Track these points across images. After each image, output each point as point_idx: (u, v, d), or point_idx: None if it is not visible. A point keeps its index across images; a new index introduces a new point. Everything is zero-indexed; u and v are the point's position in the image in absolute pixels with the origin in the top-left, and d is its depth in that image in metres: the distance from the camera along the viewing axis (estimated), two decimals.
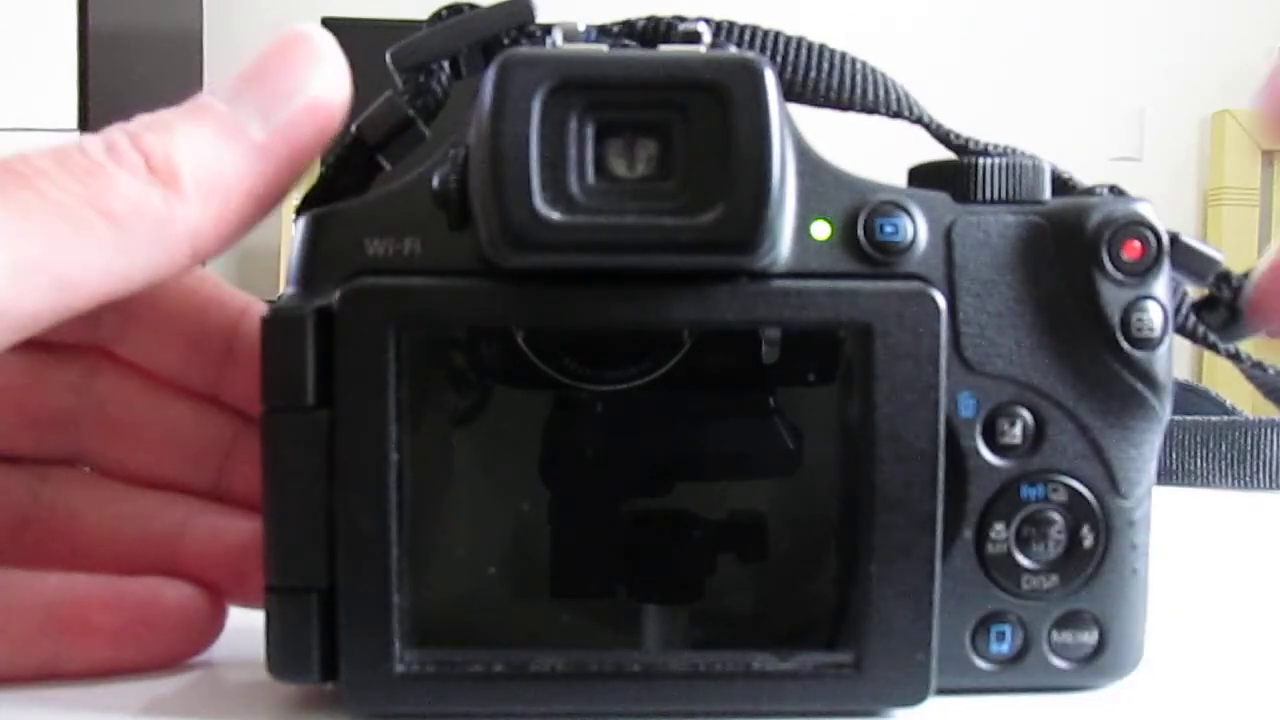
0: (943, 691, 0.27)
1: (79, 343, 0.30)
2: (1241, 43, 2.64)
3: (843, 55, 0.30)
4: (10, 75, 1.98)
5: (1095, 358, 0.27)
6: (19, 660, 0.28)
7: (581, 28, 0.27)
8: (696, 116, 0.25)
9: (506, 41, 0.28)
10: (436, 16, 0.28)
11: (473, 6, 0.28)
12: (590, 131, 0.25)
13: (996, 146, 0.30)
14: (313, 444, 0.26)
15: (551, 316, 0.26)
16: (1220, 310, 0.32)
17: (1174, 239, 0.28)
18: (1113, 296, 0.27)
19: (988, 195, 0.28)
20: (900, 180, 0.28)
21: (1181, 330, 0.31)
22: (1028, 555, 0.28)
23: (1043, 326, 0.27)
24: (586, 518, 0.30)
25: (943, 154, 0.30)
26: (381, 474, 0.26)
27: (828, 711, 0.26)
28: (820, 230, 0.27)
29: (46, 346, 0.29)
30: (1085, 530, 0.28)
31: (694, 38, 0.27)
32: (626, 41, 0.29)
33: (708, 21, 0.28)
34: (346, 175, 0.29)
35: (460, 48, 0.28)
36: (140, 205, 0.25)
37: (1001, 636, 0.28)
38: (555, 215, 0.25)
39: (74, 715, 0.27)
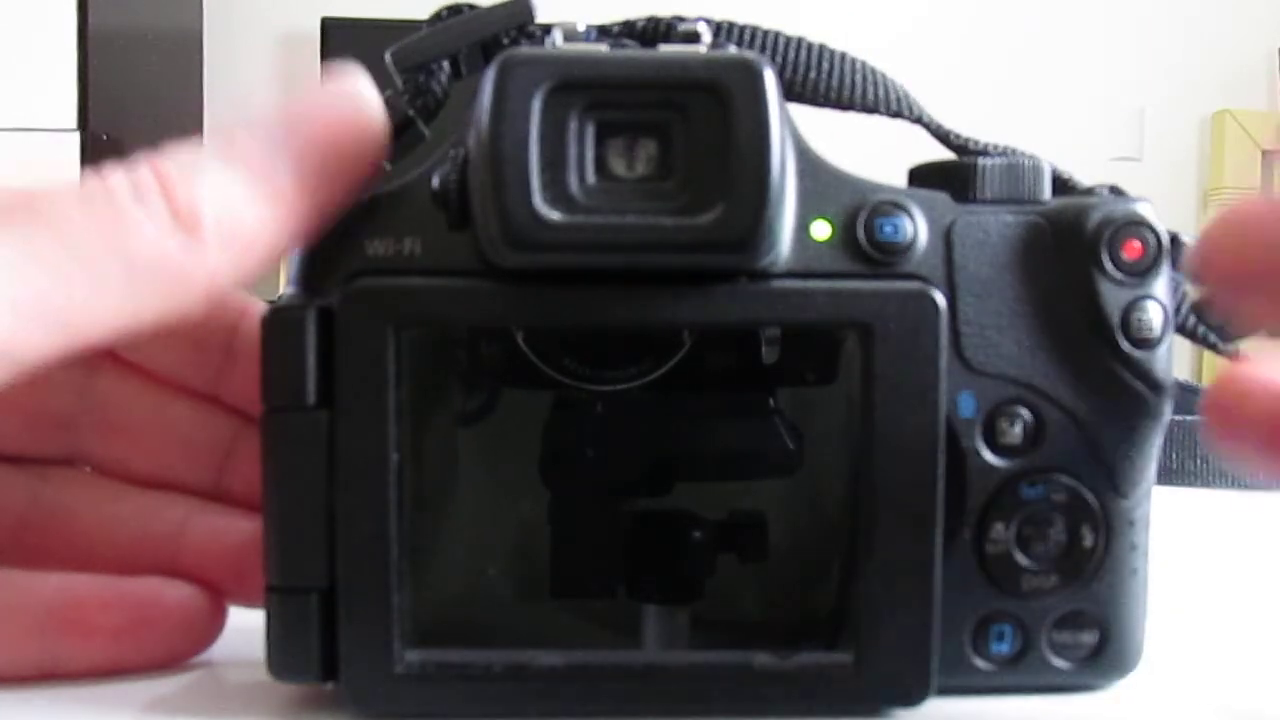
0: (943, 691, 0.27)
1: None
2: (1241, 43, 2.64)
3: (843, 55, 0.30)
4: (10, 75, 1.98)
5: (1095, 357, 0.27)
6: (19, 660, 0.28)
7: (581, 28, 0.27)
8: (696, 116, 0.25)
9: (506, 41, 0.28)
10: (436, 16, 0.28)
11: (473, 6, 0.28)
12: (590, 131, 0.25)
13: (996, 146, 0.30)
14: (313, 444, 0.26)
15: (551, 316, 0.26)
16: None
17: (1174, 239, 0.28)
18: (1113, 296, 0.27)
19: (988, 195, 0.28)
20: (900, 180, 0.28)
21: (1181, 330, 0.31)
22: (1028, 555, 0.28)
23: (1043, 326, 0.27)
24: (587, 518, 0.30)
25: (943, 154, 0.30)
26: (381, 474, 0.26)
27: (828, 711, 0.26)
28: (820, 230, 0.27)
29: None
30: (1085, 530, 0.28)
31: (694, 38, 0.27)
32: (626, 41, 0.29)
33: (708, 21, 0.28)
34: None
35: (460, 48, 0.28)
36: (159, 253, 0.24)
37: (1001, 636, 0.28)
38: (555, 215, 0.25)
39: (74, 715, 0.27)
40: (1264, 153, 2.61)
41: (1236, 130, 2.58)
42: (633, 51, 0.28)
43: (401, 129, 0.27)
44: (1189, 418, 0.57)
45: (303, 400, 0.26)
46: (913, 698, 0.26)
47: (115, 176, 0.25)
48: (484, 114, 0.24)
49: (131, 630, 0.29)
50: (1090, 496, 0.28)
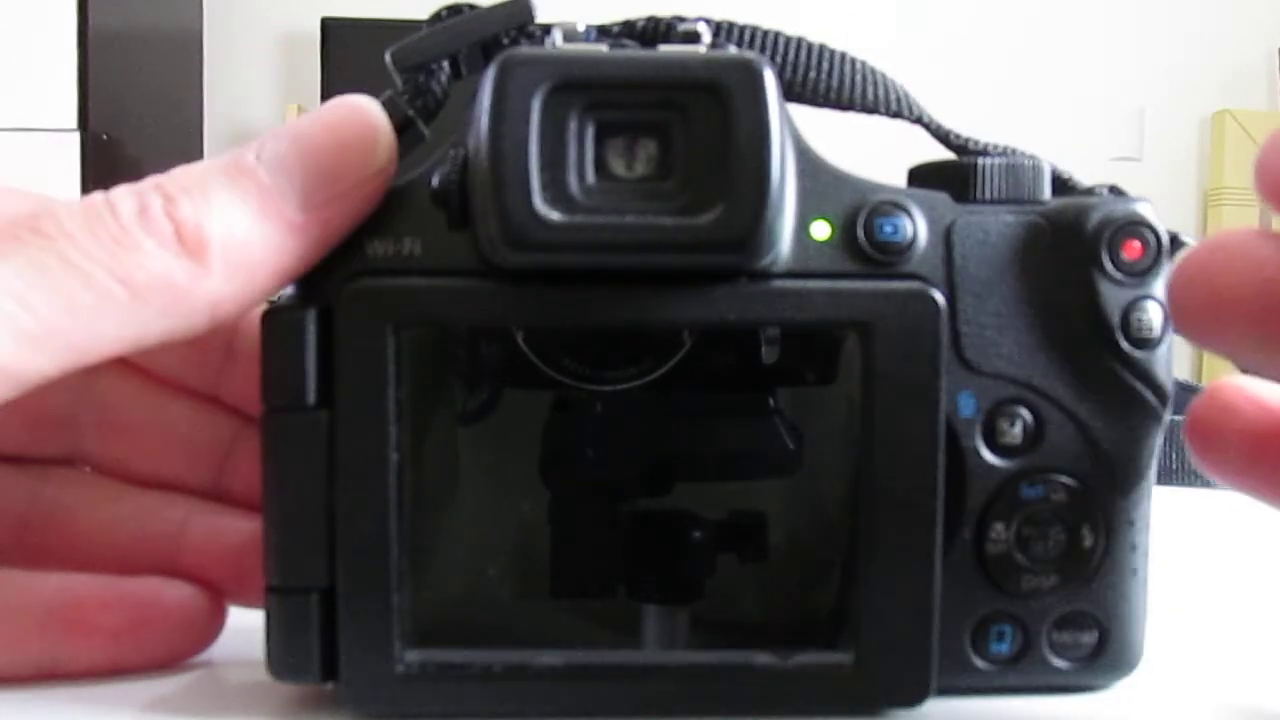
0: (943, 691, 0.27)
1: None
2: (1241, 43, 2.64)
3: (843, 55, 0.30)
4: (10, 75, 1.98)
5: (1095, 358, 0.27)
6: (19, 660, 0.28)
7: (581, 28, 0.27)
8: (696, 116, 0.25)
9: (506, 41, 0.28)
10: (436, 16, 0.28)
11: (472, 6, 0.28)
12: (590, 131, 0.25)
13: (996, 146, 0.30)
14: (313, 444, 0.26)
15: (551, 316, 0.26)
16: None
17: (1174, 239, 0.28)
18: (1112, 296, 0.27)
19: (988, 195, 0.28)
20: (900, 180, 0.28)
21: None
22: (1027, 555, 0.28)
23: (1042, 326, 0.27)
24: (587, 518, 0.30)
25: (943, 154, 0.30)
26: (381, 474, 0.26)
27: (828, 711, 0.26)
28: (820, 230, 0.27)
29: None
30: (1085, 530, 0.28)
31: (694, 38, 0.27)
32: (626, 41, 0.29)
33: (708, 21, 0.28)
34: None
35: (460, 48, 0.28)
36: (164, 277, 0.24)
37: (1001, 636, 0.28)
38: (555, 215, 0.25)
39: (74, 715, 0.27)
40: None
41: (1236, 130, 2.58)
42: (633, 51, 0.28)
43: (401, 129, 0.27)
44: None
45: (302, 400, 0.26)
46: (913, 698, 0.26)
47: (121, 198, 0.25)
48: (484, 114, 0.24)
49: (131, 630, 0.29)
50: (1090, 497, 0.28)
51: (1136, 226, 0.27)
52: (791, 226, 0.26)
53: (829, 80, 0.30)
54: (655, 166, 0.25)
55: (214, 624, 0.30)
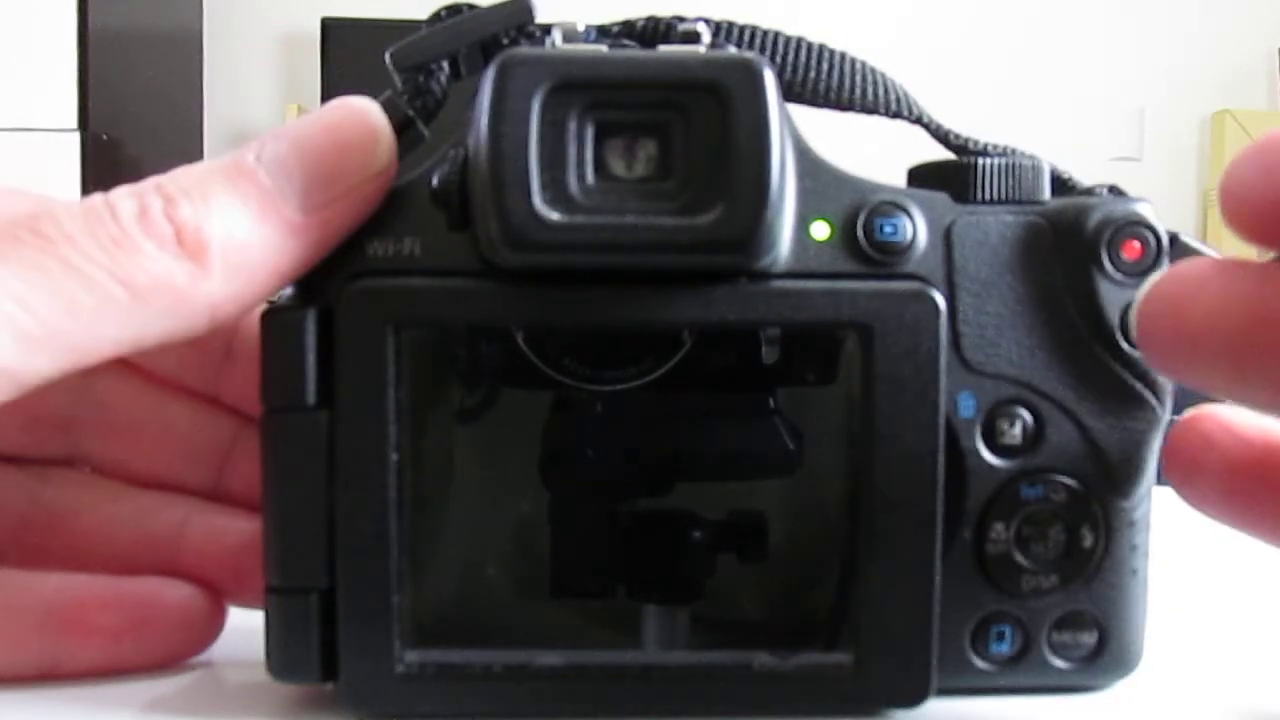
0: (943, 691, 0.27)
1: None
2: (1241, 43, 2.64)
3: (842, 55, 0.30)
4: (10, 75, 1.98)
5: (1095, 358, 0.27)
6: (19, 660, 0.28)
7: (581, 28, 0.27)
8: (696, 116, 0.25)
9: (506, 41, 0.28)
10: (436, 16, 0.28)
11: (472, 7, 0.28)
12: (590, 131, 0.25)
13: (996, 146, 0.30)
14: (313, 444, 0.26)
15: (551, 316, 0.26)
16: None
17: (1174, 239, 0.28)
18: (1112, 296, 0.27)
19: (987, 195, 0.28)
20: (900, 180, 0.28)
21: None
22: (1027, 555, 0.28)
23: (1042, 326, 0.27)
24: (586, 518, 0.30)
25: (943, 154, 0.30)
26: (381, 474, 0.26)
27: (828, 711, 0.26)
28: (820, 230, 0.27)
29: None
30: (1085, 530, 0.28)
31: (693, 38, 0.27)
32: (626, 42, 0.29)
33: (707, 21, 0.28)
34: None
35: (460, 48, 0.28)
36: (164, 279, 0.24)
37: (1001, 636, 0.28)
38: (555, 215, 0.25)
39: (74, 715, 0.27)
40: None
41: (1236, 130, 2.58)
42: (632, 51, 0.28)
43: (401, 129, 0.27)
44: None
45: (302, 400, 0.26)
46: (912, 698, 0.26)
47: (121, 199, 0.25)
48: (484, 114, 0.24)
49: (131, 630, 0.29)
50: (1090, 497, 0.28)
51: (1136, 226, 0.27)
52: (791, 227, 0.26)
53: (829, 80, 0.30)
54: (655, 167, 0.25)
55: (214, 624, 0.30)
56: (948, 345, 0.27)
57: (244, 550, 0.29)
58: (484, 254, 0.26)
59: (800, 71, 0.30)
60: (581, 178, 0.25)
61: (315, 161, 0.25)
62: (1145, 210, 0.28)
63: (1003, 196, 0.28)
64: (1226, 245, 0.22)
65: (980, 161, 0.28)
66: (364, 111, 0.26)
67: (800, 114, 0.27)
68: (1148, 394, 0.27)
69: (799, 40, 0.30)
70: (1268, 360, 0.20)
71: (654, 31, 0.29)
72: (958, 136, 0.30)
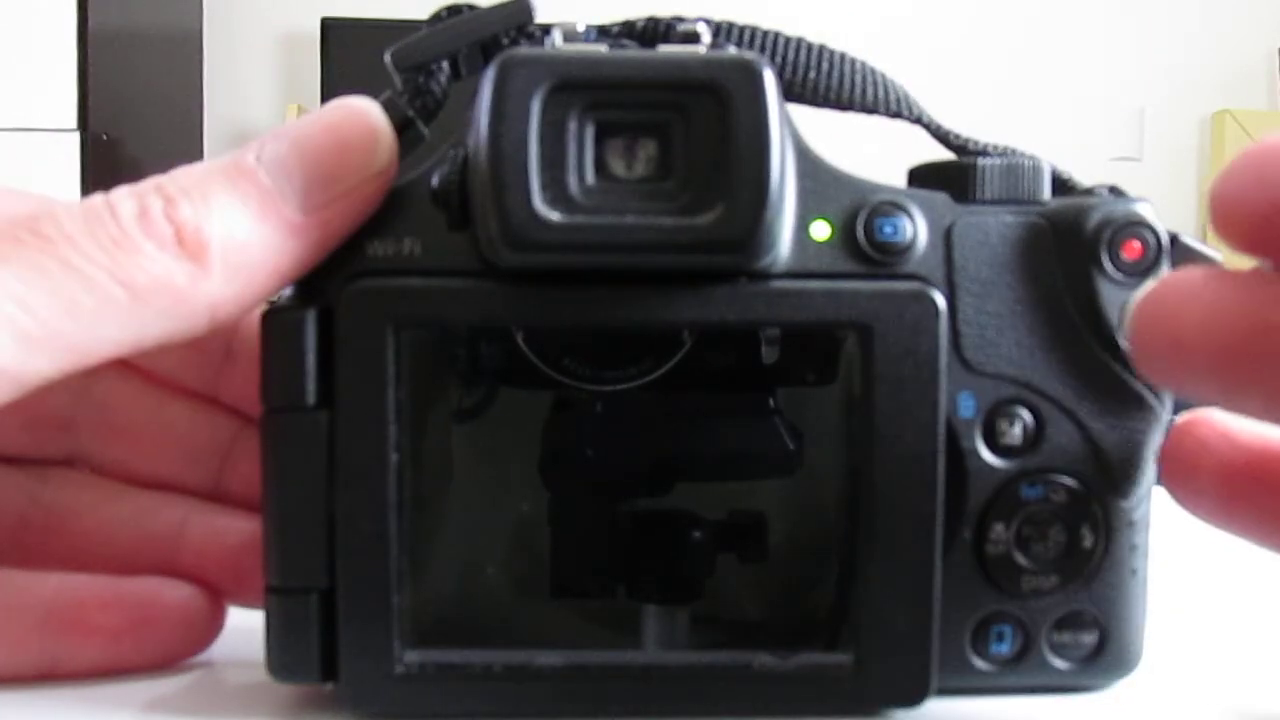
0: (943, 691, 0.27)
1: None
2: (1241, 43, 2.64)
3: (842, 55, 0.30)
4: (10, 75, 1.98)
5: (1095, 358, 0.27)
6: (19, 660, 0.28)
7: (581, 28, 0.27)
8: (696, 117, 0.25)
9: (506, 42, 0.28)
10: (436, 17, 0.28)
11: (472, 7, 0.28)
12: (590, 132, 0.25)
13: (996, 146, 0.30)
14: (313, 444, 0.26)
15: (551, 316, 0.26)
16: None
17: (1174, 239, 0.28)
18: (1113, 296, 0.27)
19: (988, 195, 0.28)
20: (900, 180, 0.28)
21: None
22: (1027, 555, 0.28)
23: (1042, 326, 0.27)
24: (586, 518, 0.30)
25: (943, 154, 0.30)
26: (381, 474, 0.26)
27: (828, 712, 0.26)
28: (820, 230, 0.27)
29: None
30: (1085, 530, 0.28)
31: (693, 38, 0.27)
32: (626, 42, 0.29)
33: (707, 22, 0.28)
34: None
35: (460, 48, 0.28)
36: (164, 280, 0.24)
37: (1001, 637, 0.28)
38: (555, 215, 0.25)
39: (74, 715, 0.27)
40: None
41: (1236, 130, 2.58)
42: (632, 52, 0.28)
43: (401, 129, 0.27)
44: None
45: (302, 400, 0.26)
46: (912, 698, 0.26)
47: (121, 200, 0.25)
48: (484, 114, 0.24)
49: (131, 630, 0.29)
50: (1090, 497, 0.28)
51: (1136, 226, 0.27)
52: (791, 227, 0.26)
53: (829, 80, 0.30)
54: (655, 167, 0.25)
55: (214, 624, 0.30)
56: (948, 345, 0.27)
57: (244, 550, 0.29)
58: (484, 254, 0.26)
59: (800, 71, 0.30)
60: (581, 178, 0.25)
61: (315, 161, 0.25)
62: (1145, 210, 0.28)
63: (1003, 197, 0.28)
64: (1226, 246, 0.22)
65: (980, 162, 0.28)
66: (364, 111, 0.26)
67: (800, 114, 0.27)
68: (1148, 394, 0.27)
69: (799, 40, 0.30)
70: (1260, 370, 0.20)
71: (654, 31, 0.29)
72: (958, 136, 0.30)
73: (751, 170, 0.24)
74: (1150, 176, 2.55)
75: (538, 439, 0.29)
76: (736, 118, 0.24)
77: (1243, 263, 0.22)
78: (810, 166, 0.27)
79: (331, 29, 2.39)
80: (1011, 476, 0.27)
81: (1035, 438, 0.27)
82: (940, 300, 0.26)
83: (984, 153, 0.30)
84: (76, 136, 2.01)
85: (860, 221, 0.27)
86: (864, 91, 0.30)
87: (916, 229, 0.27)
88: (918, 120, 0.31)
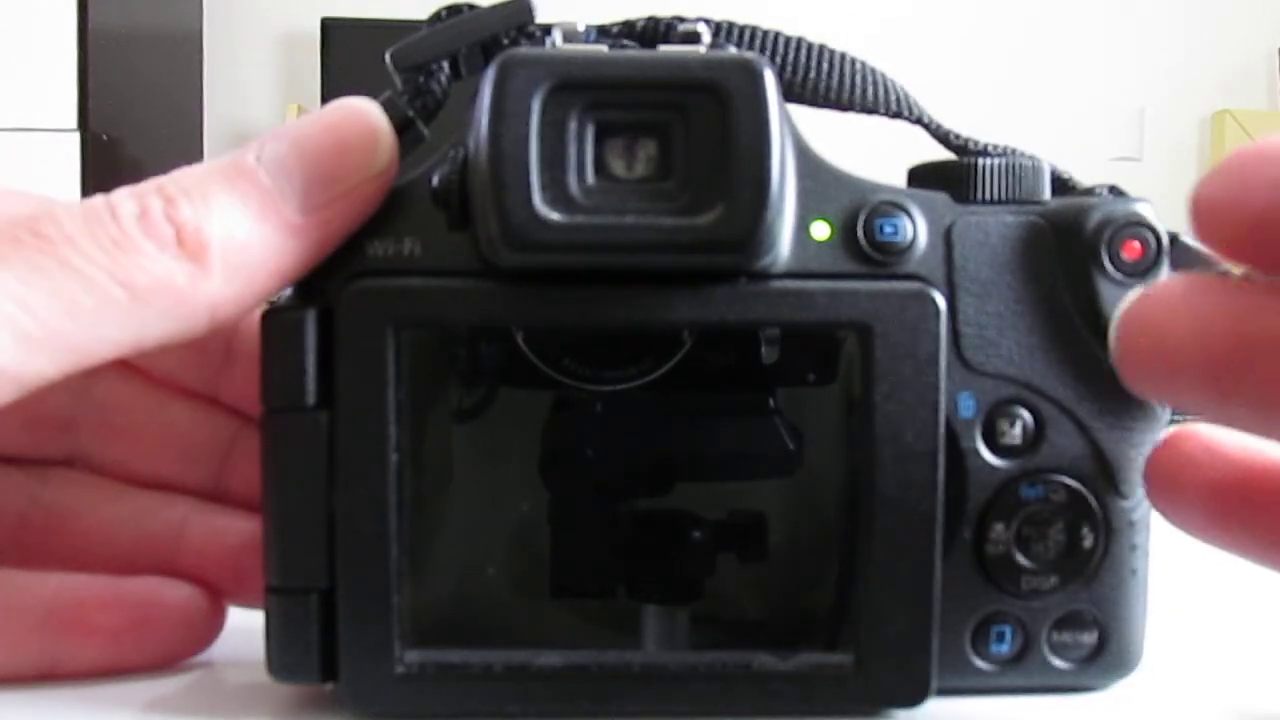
0: (943, 691, 0.27)
1: None
2: (1241, 43, 2.64)
3: (843, 55, 0.30)
4: (10, 75, 1.98)
5: (1095, 358, 0.27)
6: (19, 660, 0.28)
7: (581, 28, 0.27)
8: (696, 117, 0.25)
9: (506, 42, 0.28)
10: (436, 17, 0.28)
11: (472, 7, 0.28)
12: (590, 132, 0.25)
13: (996, 146, 0.30)
14: (313, 444, 0.26)
15: (551, 316, 0.26)
16: None
17: (1174, 239, 0.28)
18: (1112, 296, 0.27)
19: (987, 195, 0.28)
20: (900, 180, 0.28)
21: None
22: (1027, 555, 0.28)
23: (1042, 326, 0.27)
24: (586, 518, 0.30)
25: (943, 154, 0.30)
26: (381, 474, 0.26)
27: (828, 712, 0.26)
28: (820, 230, 0.27)
29: None
30: (1085, 530, 0.28)
31: (693, 38, 0.27)
32: (626, 42, 0.29)
33: (707, 22, 0.28)
34: None
35: (460, 48, 0.28)
36: (164, 280, 0.24)
37: (1001, 637, 0.28)
38: (555, 215, 0.25)
39: (74, 715, 0.27)
40: None
41: (1236, 130, 2.58)
42: (632, 52, 0.28)
43: (401, 129, 0.27)
44: (1189, 417, 0.57)
45: (302, 400, 0.26)
46: (912, 698, 0.26)
47: (121, 200, 0.25)
48: (484, 114, 0.24)
49: (131, 630, 0.29)
50: (1090, 497, 0.28)
51: (1136, 226, 0.27)
52: (791, 227, 0.26)
53: (829, 80, 0.30)
54: (655, 167, 0.25)
55: (214, 624, 0.30)
56: (948, 345, 0.27)
57: (244, 550, 0.29)
58: (484, 254, 0.26)
59: (800, 71, 0.30)
60: (581, 178, 0.25)
61: (315, 162, 0.25)
62: (1145, 210, 0.28)
63: (1003, 197, 0.28)
64: (1209, 252, 0.22)
65: (980, 162, 0.28)
66: (364, 112, 0.26)
67: (800, 114, 0.27)
68: None
69: (799, 40, 0.30)
70: (1247, 381, 0.20)
71: (654, 32, 0.29)
72: (958, 136, 0.30)
73: (751, 170, 0.24)
74: (1150, 176, 2.54)
75: (538, 439, 0.29)
76: (736, 118, 0.24)
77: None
78: (810, 166, 0.27)
79: (331, 29, 2.39)
80: (1011, 476, 0.27)
81: (1035, 438, 0.27)
82: (940, 300, 0.26)
83: (984, 153, 0.30)
84: (76, 137, 2.01)
85: (860, 221, 0.27)
86: (864, 91, 0.30)
87: (916, 229, 0.27)
88: (918, 120, 0.31)
